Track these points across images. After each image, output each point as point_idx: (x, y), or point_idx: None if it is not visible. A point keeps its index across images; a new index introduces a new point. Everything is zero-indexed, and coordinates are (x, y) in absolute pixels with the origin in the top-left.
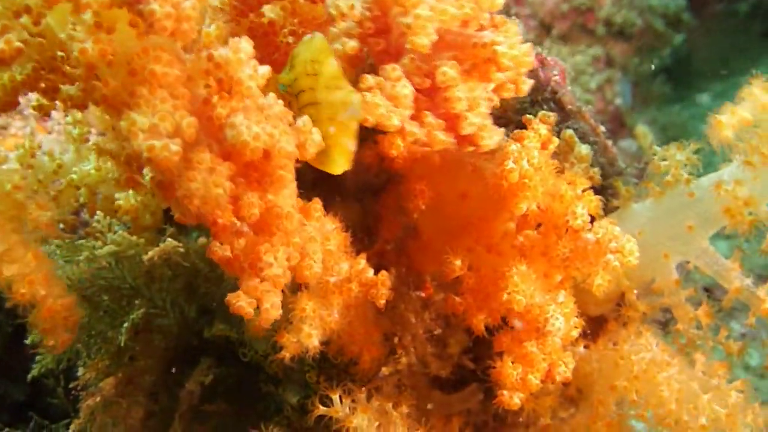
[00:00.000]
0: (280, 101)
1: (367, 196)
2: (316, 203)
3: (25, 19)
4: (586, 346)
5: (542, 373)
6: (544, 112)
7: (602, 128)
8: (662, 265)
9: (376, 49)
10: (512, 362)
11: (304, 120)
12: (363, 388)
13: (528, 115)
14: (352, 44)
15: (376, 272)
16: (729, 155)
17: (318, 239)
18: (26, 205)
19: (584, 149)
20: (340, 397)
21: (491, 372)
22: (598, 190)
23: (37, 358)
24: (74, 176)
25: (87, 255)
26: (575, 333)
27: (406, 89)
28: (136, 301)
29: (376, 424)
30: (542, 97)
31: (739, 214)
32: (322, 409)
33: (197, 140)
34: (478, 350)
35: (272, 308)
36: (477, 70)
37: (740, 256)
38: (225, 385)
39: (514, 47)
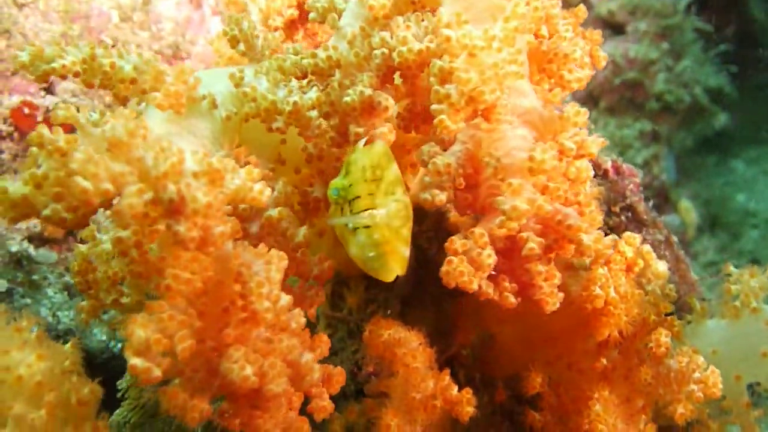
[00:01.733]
0: (299, 330)
1: (444, 299)
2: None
3: None
4: None
5: None
6: (629, 233)
7: (675, 239)
8: (733, 385)
9: (462, 203)
10: None
11: (308, 358)
12: None
13: (614, 236)
14: (441, 197)
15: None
16: None
17: None
18: (83, 423)
19: (661, 267)
20: None
21: None
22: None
23: None
24: None
25: None
26: None
27: (490, 259)
28: None
29: None
30: (620, 207)
31: None
32: None
33: (198, 353)
34: None
35: None
36: (558, 246)
37: None
38: None
39: (599, 242)
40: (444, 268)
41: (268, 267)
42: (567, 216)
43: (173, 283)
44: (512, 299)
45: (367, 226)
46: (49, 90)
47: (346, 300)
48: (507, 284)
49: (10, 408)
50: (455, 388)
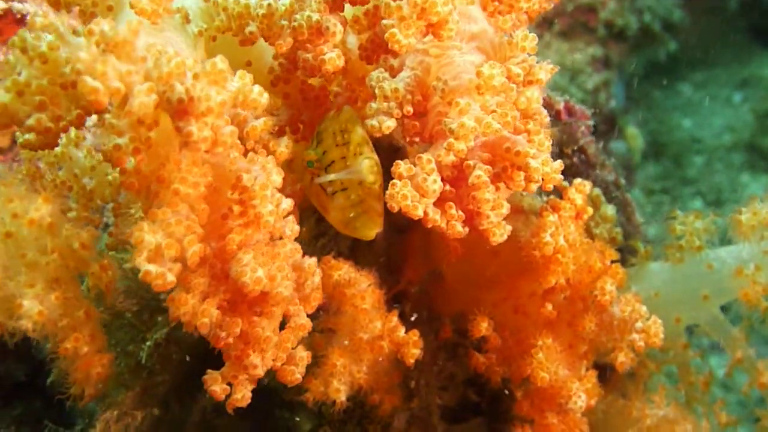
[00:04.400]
0: (293, 238)
1: (394, 234)
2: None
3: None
4: None
5: None
6: (579, 180)
7: (623, 181)
8: (673, 327)
9: (411, 131)
10: (532, 430)
11: (310, 262)
12: None
13: (564, 182)
14: (388, 124)
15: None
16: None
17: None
18: (89, 264)
19: (609, 210)
20: None
21: None
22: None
23: None
24: (115, 175)
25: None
26: (594, 402)
27: (435, 185)
28: (159, 318)
29: None
30: (571, 149)
31: (756, 299)
32: None
33: (202, 259)
34: (481, 383)
35: (242, 399)
36: (506, 174)
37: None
38: None
39: (546, 164)
40: (388, 192)
41: (267, 171)
42: (515, 143)
43: (181, 186)
44: (459, 228)
45: (345, 189)
46: None
47: None
48: (454, 212)
49: (23, 256)
50: (402, 330)
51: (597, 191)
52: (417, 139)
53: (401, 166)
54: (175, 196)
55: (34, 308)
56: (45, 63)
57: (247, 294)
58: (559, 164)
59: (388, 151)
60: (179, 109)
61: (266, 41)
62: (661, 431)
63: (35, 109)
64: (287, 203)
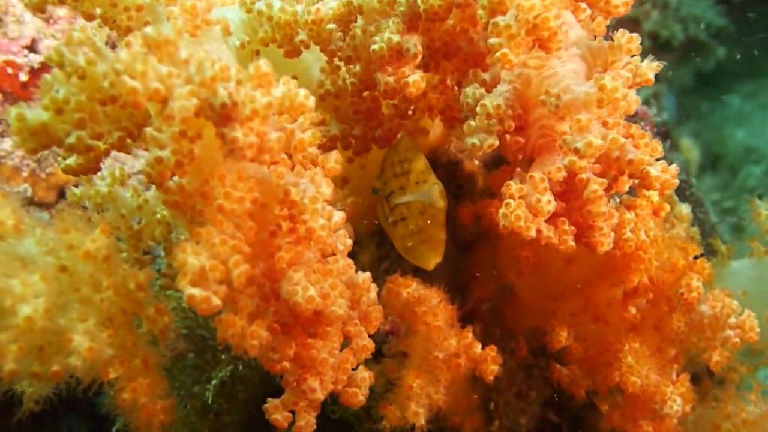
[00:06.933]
0: (345, 253)
1: (458, 253)
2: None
3: (110, 106)
4: None
5: None
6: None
7: (693, 180)
8: (764, 326)
9: (513, 147)
10: None
11: (365, 277)
12: None
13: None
14: (490, 142)
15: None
16: None
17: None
18: (145, 306)
19: (684, 209)
20: None
21: None
22: None
23: None
24: (163, 213)
25: (174, 305)
26: (689, 408)
27: (550, 205)
28: (223, 356)
29: None
30: None
31: None
32: None
33: (249, 279)
34: (560, 402)
35: (305, 426)
36: (617, 183)
37: None
38: None
39: (666, 171)
40: (502, 211)
41: (316, 183)
42: (626, 150)
43: (225, 202)
44: (571, 242)
45: (404, 219)
46: (32, 48)
47: (359, 258)
48: (567, 227)
49: (77, 291)
50: (479, 346)
51: (669, 191)
52: (521, 155)
53: (512, 187)
54: (220, 212)
55: (84, 343)
56: (83, 78)
57: (299, 314)
58: (675, 168)
59: (447, 166)
60: (222, 115)
61: (318, 46)
62: (759, 425)
63: (75, 126)
64: (339, 216)
